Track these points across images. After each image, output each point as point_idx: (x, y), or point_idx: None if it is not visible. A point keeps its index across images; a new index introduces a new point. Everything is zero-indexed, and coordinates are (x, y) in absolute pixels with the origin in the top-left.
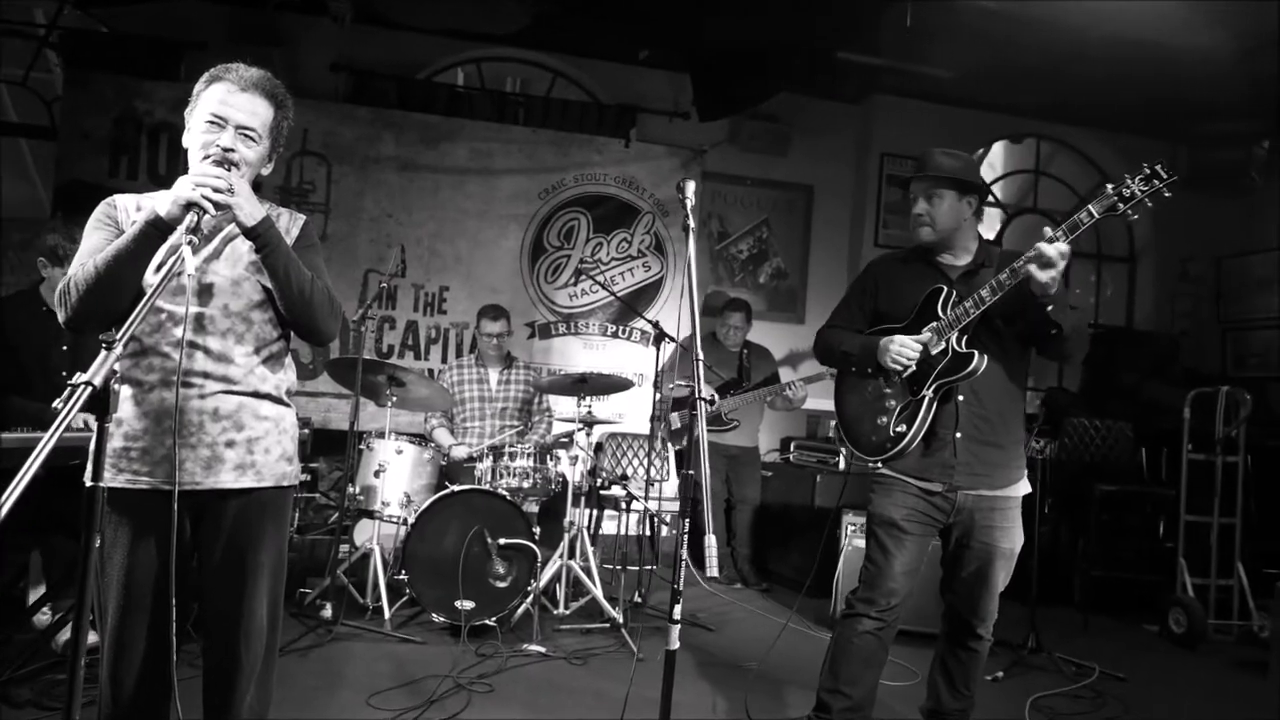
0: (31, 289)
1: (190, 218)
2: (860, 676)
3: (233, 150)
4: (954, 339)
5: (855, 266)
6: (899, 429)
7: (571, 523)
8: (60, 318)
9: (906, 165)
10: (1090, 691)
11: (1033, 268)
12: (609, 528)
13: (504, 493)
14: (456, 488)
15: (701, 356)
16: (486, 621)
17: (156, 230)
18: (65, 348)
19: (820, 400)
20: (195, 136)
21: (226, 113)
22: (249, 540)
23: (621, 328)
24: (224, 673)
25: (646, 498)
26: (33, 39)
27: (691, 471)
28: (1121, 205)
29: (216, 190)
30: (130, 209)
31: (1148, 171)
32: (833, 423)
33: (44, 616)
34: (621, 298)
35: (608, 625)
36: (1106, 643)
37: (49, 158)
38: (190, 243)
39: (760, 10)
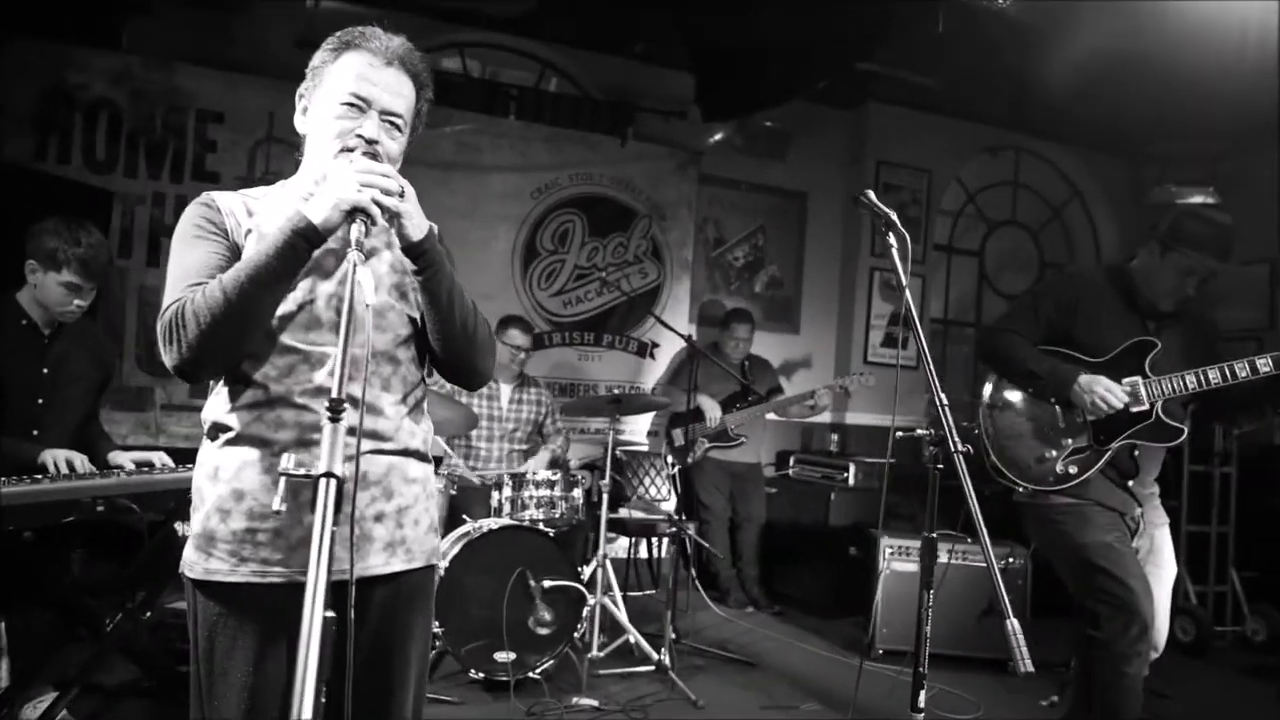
0: (6, 299)
1: (357, 228)
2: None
3: (377, 141)
4: (1160, 405)
5: (850, 277)
6: (1069, 469)
7: (605, 555)
8: (170, 360)
9: (902, 174)
10: (1145, 713)
11: None
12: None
13: (547, 529)
14: (491, 524)
15: (945, 402)
16: (530, 675)
17: (307, 243)
18: (46, 370)
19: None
20: (326, 122)
21: (370, 93)
22: (397, 635)
23: (618, 338)
24: None
25: (683, 519)
26: None
27: (935, 534)
28: None
29: (387, 193)
30: (239, 213)
31: None
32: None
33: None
34: (654, 315)
35: (652, 668)
36: None
37: None
38: (361, 261)
39: (778, 11)
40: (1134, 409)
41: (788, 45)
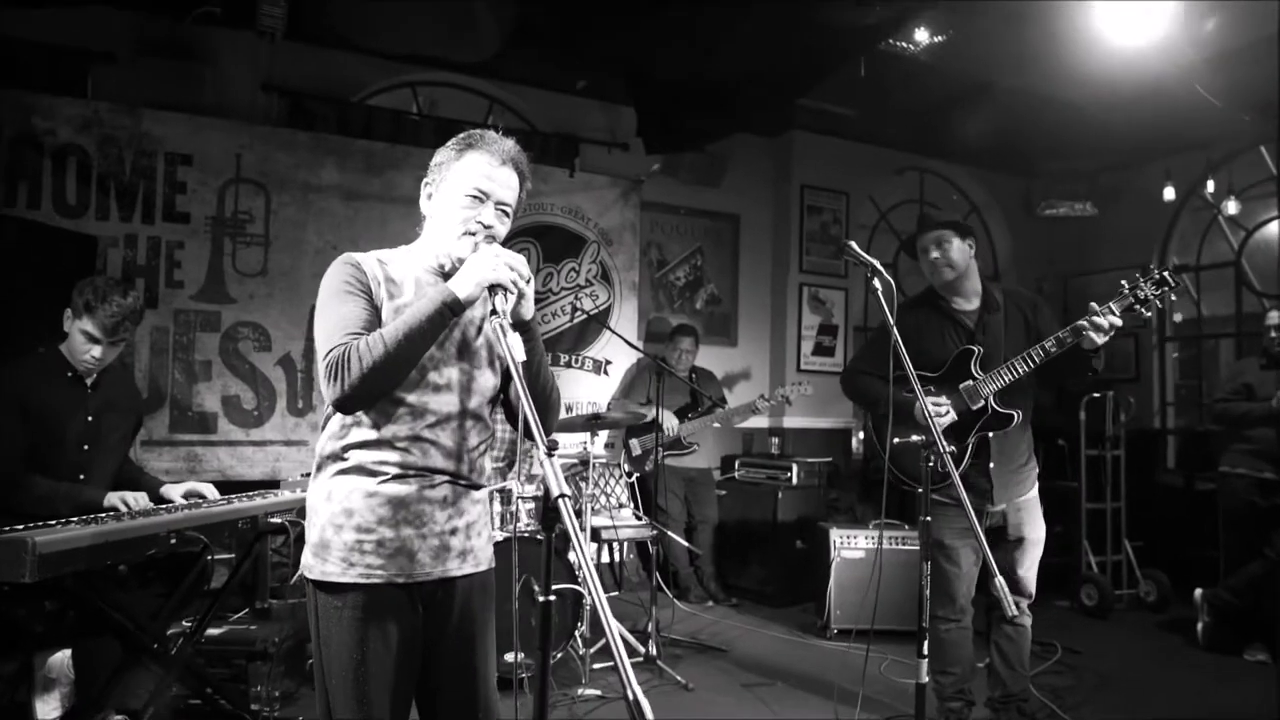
0: (51, 350)
1: (500, 300)
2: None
3: (493, 227)
4: (992, 398)
5: (781, 292)
6: (944, 469)
7: (591, 561)
8: (332, 393)
9: (823, 196)
10: (1063, 666)
11: (1094, 335)
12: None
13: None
14: (496, 536)
15: (932, 414)
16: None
17: (452, 313)
18: (90, 418)
19: (755, 419)
20: (453, 210)
21: (490, 188)
22: (474, 625)
23: (574, 357)
24: None
25: (663, 526)
26: None
27: (929, 518)
28: (1137, 305)
29: (519, 277)
30: (378, 275)
31: (1157, 277)
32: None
33: None
34: (620, 335)
35: (640, 659)
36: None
37: None
38: (508, 326)
39: (715, 50)
40: (975, 406)
41: (724, 84)
